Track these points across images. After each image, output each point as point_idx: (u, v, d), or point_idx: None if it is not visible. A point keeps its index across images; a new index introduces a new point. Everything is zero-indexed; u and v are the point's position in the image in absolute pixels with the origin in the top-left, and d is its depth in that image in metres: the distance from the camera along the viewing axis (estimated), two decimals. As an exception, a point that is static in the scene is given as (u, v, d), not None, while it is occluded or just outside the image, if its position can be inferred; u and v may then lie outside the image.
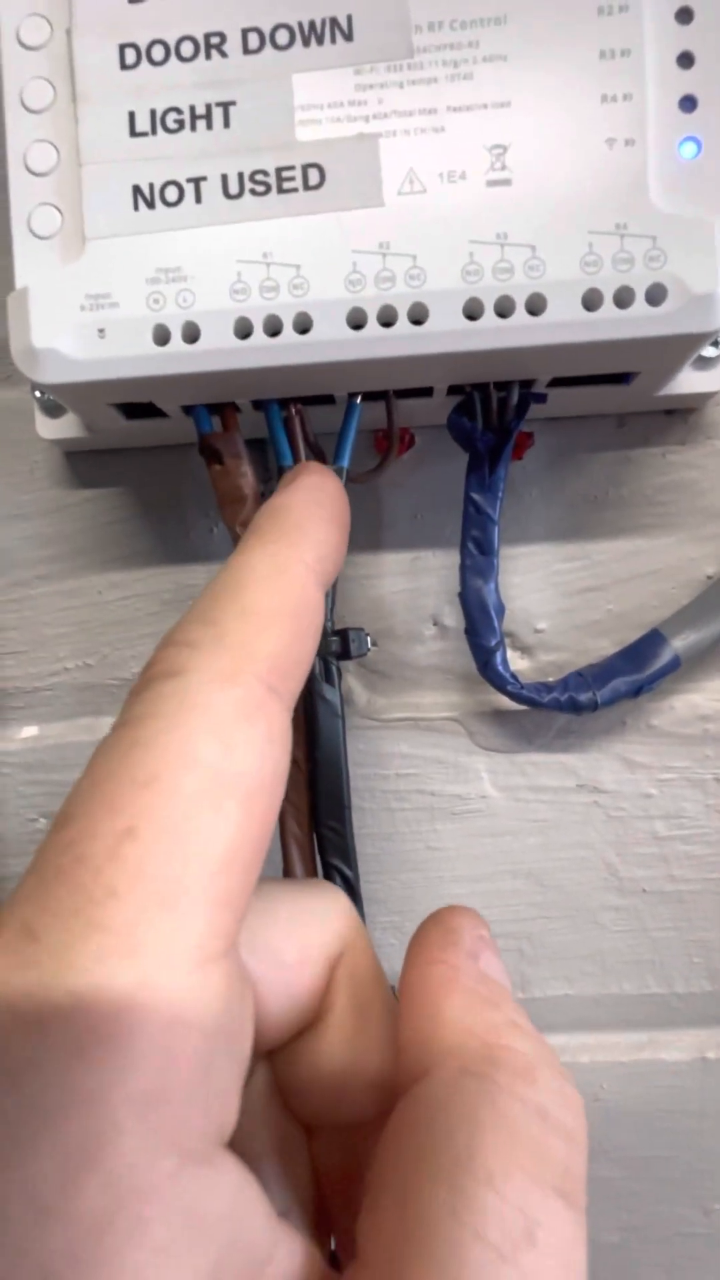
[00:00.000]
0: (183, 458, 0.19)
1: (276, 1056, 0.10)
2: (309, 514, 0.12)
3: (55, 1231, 0.07)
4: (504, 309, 0.13)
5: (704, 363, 0.17)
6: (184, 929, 0.08)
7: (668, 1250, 0.19)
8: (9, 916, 0.08)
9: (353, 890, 0.16)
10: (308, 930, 0.10)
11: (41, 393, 0.17)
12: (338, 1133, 0.10)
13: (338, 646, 0.15)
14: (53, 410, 0.17)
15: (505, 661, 0.17)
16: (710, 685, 0.18)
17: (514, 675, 0.17)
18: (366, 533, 0.18)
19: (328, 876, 0.16)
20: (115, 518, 0.19)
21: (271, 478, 0.17)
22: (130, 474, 0.19)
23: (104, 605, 0.19)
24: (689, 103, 0.13)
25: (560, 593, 0.18)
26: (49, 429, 0.18)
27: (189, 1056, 0.08)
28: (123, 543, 0.19)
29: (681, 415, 0.18)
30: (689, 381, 0.17)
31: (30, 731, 0.19)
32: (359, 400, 0.15)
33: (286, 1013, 0.10)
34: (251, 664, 0.09)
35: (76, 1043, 0.07)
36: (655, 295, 0.13)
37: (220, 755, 0.09)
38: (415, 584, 0.18)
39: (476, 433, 0.16)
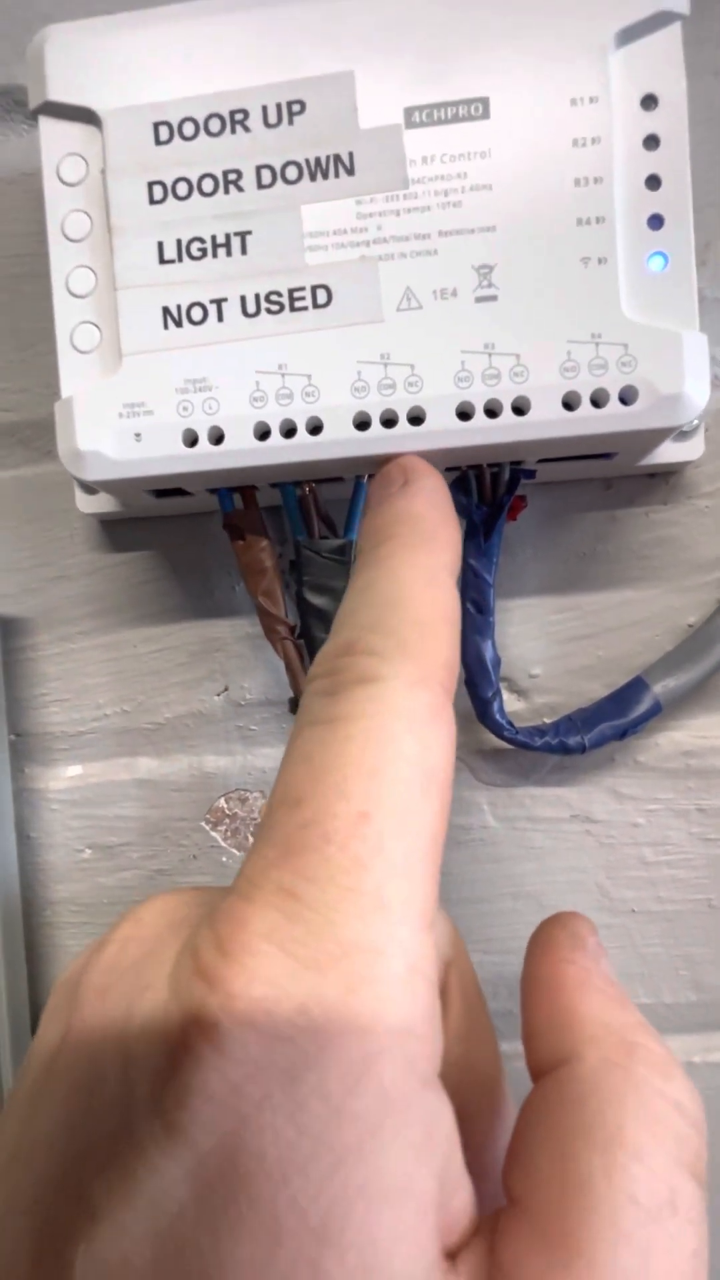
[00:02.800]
0: (206, 524, 0.20)
1: None
2: (438, 519, 0.13)
3: (345, 1126, 0.08)
4: (493, 409, 0.15)
5: (683, 435, 0.18)
6: (416, 895, 0.09)
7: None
8: (262, 879, 0.09)
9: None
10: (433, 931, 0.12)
11: (80, 473, 0.19)
12: None
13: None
14: (88, 487, 0.19)
15: (502, 710, 0.18)
16: (693, 723, 0.20)
17: (509, 722, 0.18)
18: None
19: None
20: (147, 578, 0.21)
21: (287, 540, 0.19)
22: (159, 540, 0.21)
23: (138, 657, 0.21)
24: (657, 220, 0.15)
25: (553, 640, 0.20)
26: (87, 504, 0.19)
27: (425, 999, 0.09)
28: (154, 601, 0.21)
29: (663, 477, 0.19)
30: (669, 452, 0.18)
31: (75, 771, 0.21)
32: (366, 480, 0.17)
33: None
34: (434, 671, 0.11)
35: (349, 982, 0.09)
36: (627, 396, 0.14)
37: (420, 751, 0.10)
38: (420, 634, 0.20)
39: (472, 506, 0.17)
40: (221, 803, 0.21)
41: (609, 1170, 0.09)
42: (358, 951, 0.09)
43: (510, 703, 0.20)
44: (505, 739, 0.18)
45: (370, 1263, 0.08)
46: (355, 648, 0.11)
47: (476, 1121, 0.12)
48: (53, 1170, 0.09)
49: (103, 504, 0.19)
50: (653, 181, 0.15)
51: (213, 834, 0.21)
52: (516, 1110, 0.11)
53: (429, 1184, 0.09)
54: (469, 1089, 0.12)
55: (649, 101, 0.14)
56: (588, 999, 0.11)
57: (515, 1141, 0.10)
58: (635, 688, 0.19)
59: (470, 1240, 0.09)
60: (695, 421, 0.18)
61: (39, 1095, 0.10)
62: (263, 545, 0.18)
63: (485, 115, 0.14)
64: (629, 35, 0.14)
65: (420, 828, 0.10)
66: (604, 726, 0.18)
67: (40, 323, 0.20)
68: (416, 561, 0.12)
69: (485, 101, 0.14)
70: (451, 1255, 0.09)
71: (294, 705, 0.18)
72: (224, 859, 0.21)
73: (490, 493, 0.17)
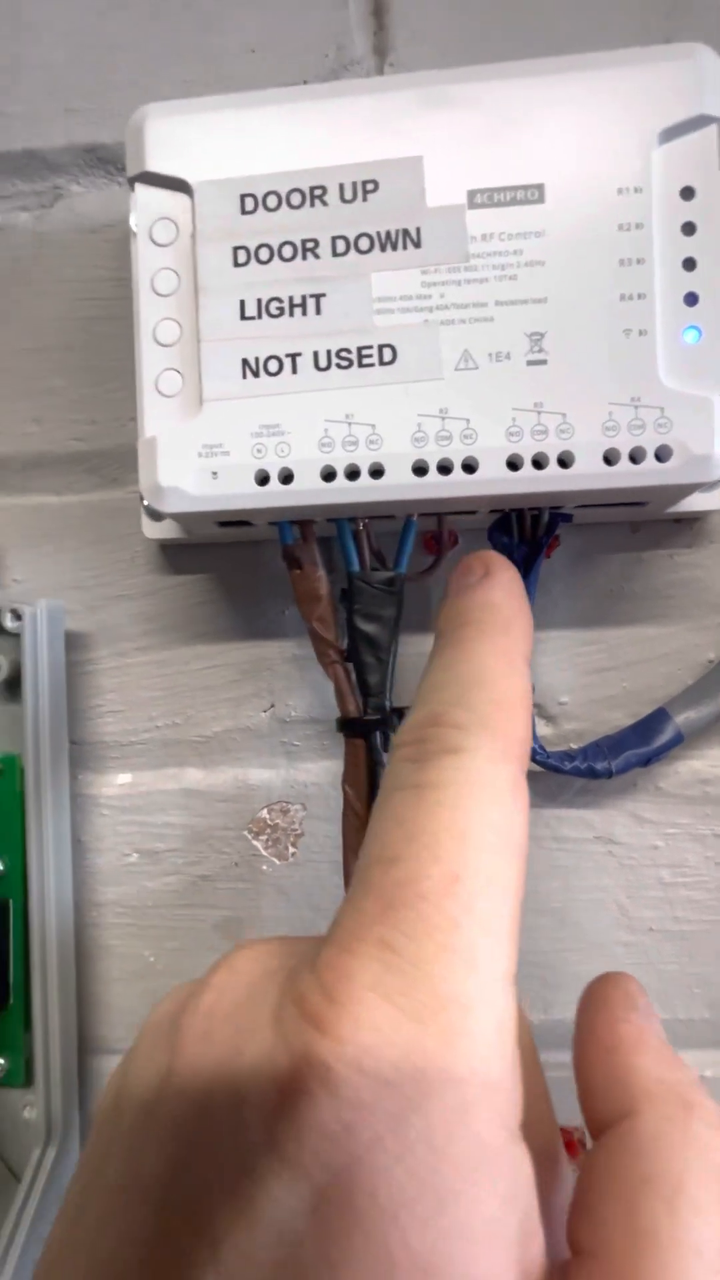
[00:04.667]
0: (259, 552, 0.22)
1: None
2: (515, 610, 0.14)
3: (446, 1170, 0.09)
4: (540, 462, 0.16)
5: (709, 486, 0.20)
6: (501, 953, 0.10)
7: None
8: (362, 932, 0.10)
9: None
10: None
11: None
12: None
13: (397, 722, 0.19)
14: (156, 515, 0.21)
15: (535, 735, 0.20)
16: (711, 753, 0.21)
17: (541, 746, 0.20)
18: (418, 617, 0.21)
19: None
20: (202, 600, 0.22)
21: (336, 569, 0.20)
22: (215, 564, 0.22)
23: (190, 673, 0.22)
24: (692, 298, 0.16)
25: (581, 671, 0.21)
26: (153, 530, 0.21)
27: (511, 1051, 0.10)
28: (207, 621, 0.22)
29: (688, 523, 0.21)
30: (695, 501, 0.20)
31: (125, 779, 0.23)
32: (415, 518, 0.19)
33: None
34: (512, 747, 0.12)
35: (446, 1035, 0.09)
36: (662, 454, 0.16)
37: (504, 820, 0.11)
38: (456, 661, 0.21)
39: (513, 546, 0.19)
40: (264, 813, 0.22)
41: (673, 1222, 0.10)
42: (453, 1006, 0.09)
43: (539, 728, 0.21)
44: (537, 762, 0.20)
45: None
46: (441, 720, 0.12)
47: (536, 1181, 0.12)
48: (169, 1204, 0.09)
49: (167, 530, 0.21)
50: (689, 263, 0.16)
51: (254, 843, 0.22)
52: (569, 1168, 0.12)
53: (514, 1229, 0.09)
54: (529, 1149, 0.12)
55: (687, 192, 0.16)
56: (644, 1057, 0.11)
57: (580, 1195, 0.11)
58: (658, 718, 0.20)
59: None
60: (720, 474, 0.19)
61: (145, 1135, 0.10)
62: (318, 575, 0.19)
63: (540, 200, 0.16)
64: (671, 134, 0.16)
65: (505, 891, 0.10)
66: (629, 753, 0.20)
67: (112, 361, 0.22)
68: (496, 647, 0.13)
69: (540, 187, 0.16)
70: None
71: (341, 724, 0.19)
72: (264, 867, 0.22)
73: (530, 533, 0.19)
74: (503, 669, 0.13)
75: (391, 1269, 0.09)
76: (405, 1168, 0.09)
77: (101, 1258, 0.09)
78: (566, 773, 0.20)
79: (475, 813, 0.11)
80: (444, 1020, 0.09)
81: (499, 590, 0.14)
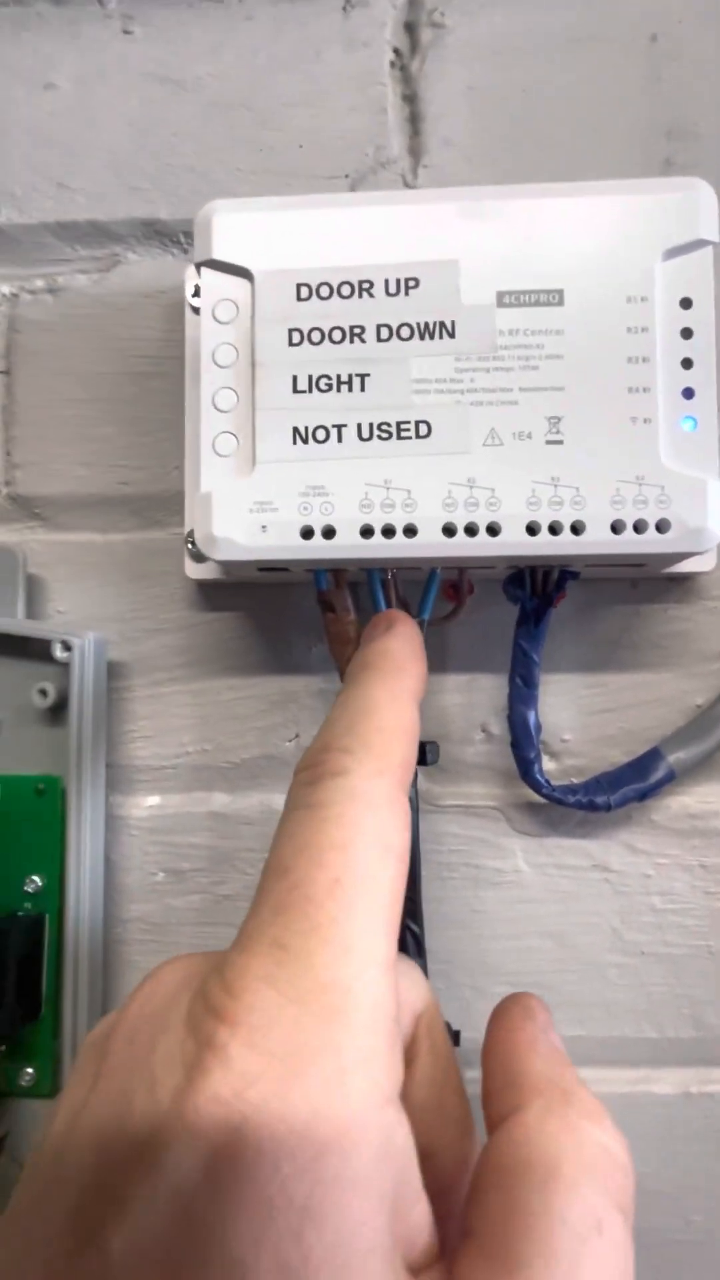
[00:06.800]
0: (288, 592, 0.24)
1: None
2: (407, 654, 0.16)
3: (322, 1126, 0.10)
4: (555, 528, 0.18)
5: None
6: (378, 944, 0.12)
7: (654, 1255, 0.23)
8: (259, 934, 0.12)
9: (420, 944, 0.21)
10: (403, 989, 0.13)
11: (194, 545, 0.22)
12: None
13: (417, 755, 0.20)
14: (199, 557, 0.23)
15: (541, 769, 0.21)
16: (699, 790, 0.23)
17: (547, 780, 0.22)
18: (434, 658, 0.23)
19: (402, 933, 0.20)
20: (234, 635, 0.24)
21: (363, 611, 0.22)
22: (247, 603, 0.24)
23: (221, 703, 0.24)
24: (689, 392, 0.19)
25: (583, 712, 0.23)
26: (194, 571, 0.23)
27: (387, 1026, 0.11)
28: (239, 656, 0.24)
29: (680, 581, 0.23)
30: (687, 563, 0.22)
31: (154, 801, 0.24)
32: (439, 570, 0.21)
33: None
34: (390, 767, 0.13)
35: (325, 1013, 0.11)
36: (662, 525, 0.18)
37: (379, 829, 0.12)
38: (470, 699, 0.23)
39: (525, 598, 0.21)
40: (286, 837, 0.24)
41: (546, 1199, 0.11)
42: (332, 989, 0.11)
43: (546, 763, 0.23)
44: (543, 795, 0.21)
45: (340, 1239, 0.10)
46: (331, 746, 0.13)
47: (444, 1162, 0.13)
48: (87, 1175, 0.11)
49: (207, 571, 0.23)
50: (686, 363, 0.19)
51: (275, 865, 0.24)
52: None
53: (387, 1187, 0.10)
54: (437, 1131, 0.13)
55: (686, 302, 0.19)
56: (533, 1059, 0.13)
57: (473, 1184, 0.12)
58: (652, 757, 0.22)
59: (433, 1264, 0.11)
60: (710, 541, 0.22)
61: (71, 1135, 0.11)
62: (350, 619, 0.21)
63: (560, 303, 0.18)
64: (674, 252, 0.19)
65: (380, 890, 0.12)
66: (627, 789, 0.21)
67: (161, 414, 0.24)
68: (385, 684, 0.15)
69: (561, 292, 0.19)
70: (415, 1274, 0.11)
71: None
72: (284, 888, 0.24)
73: (541, 587, 0.21)
74: (387, 701, 0.15)
75: (271, 1211, 0.10)
76: (287, 1125, 0.10)
77: (38, 1224, 0.11)
78: (569, 805, 0.22)
79: (354, 825, 0.12)
80: (324, 1001, 0.11)
81: (396, 640, 0.17)
